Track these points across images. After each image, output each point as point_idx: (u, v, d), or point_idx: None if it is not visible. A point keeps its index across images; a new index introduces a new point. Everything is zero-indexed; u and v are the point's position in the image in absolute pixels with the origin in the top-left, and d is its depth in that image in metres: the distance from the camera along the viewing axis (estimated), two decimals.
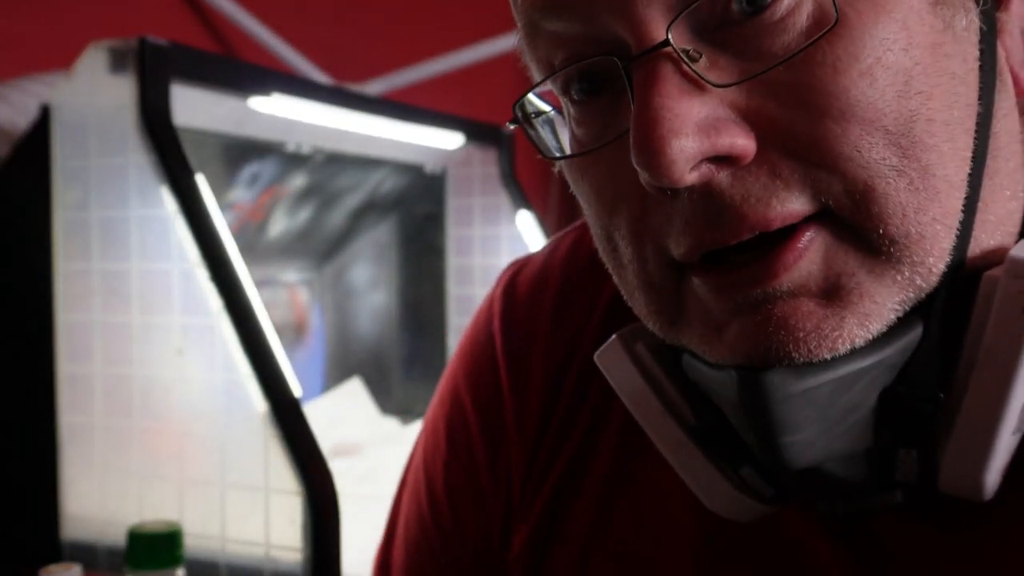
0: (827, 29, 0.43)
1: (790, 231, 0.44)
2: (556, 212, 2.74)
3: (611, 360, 0.55)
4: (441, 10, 2.33)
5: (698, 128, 0.43)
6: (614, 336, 0.55)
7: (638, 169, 0.44)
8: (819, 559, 0.53)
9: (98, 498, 1.05)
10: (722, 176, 0.44)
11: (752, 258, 0.45)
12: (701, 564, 0.57)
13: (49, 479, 1.07)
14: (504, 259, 1.77)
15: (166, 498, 1.01)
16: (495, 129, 1.77)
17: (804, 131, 0.43)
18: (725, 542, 0.56)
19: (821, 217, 0.44)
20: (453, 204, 1.83)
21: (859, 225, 0.44)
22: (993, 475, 0.46)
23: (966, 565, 0.50)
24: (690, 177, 0.43)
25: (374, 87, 1.87)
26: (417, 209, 1.87)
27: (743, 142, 0.44)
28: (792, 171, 0.44)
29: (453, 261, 1.83)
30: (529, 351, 0.66)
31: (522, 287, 0.69)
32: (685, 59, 0.44)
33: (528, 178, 1.83)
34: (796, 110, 0.44)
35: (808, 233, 0.44)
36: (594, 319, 0.64)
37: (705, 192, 0.44)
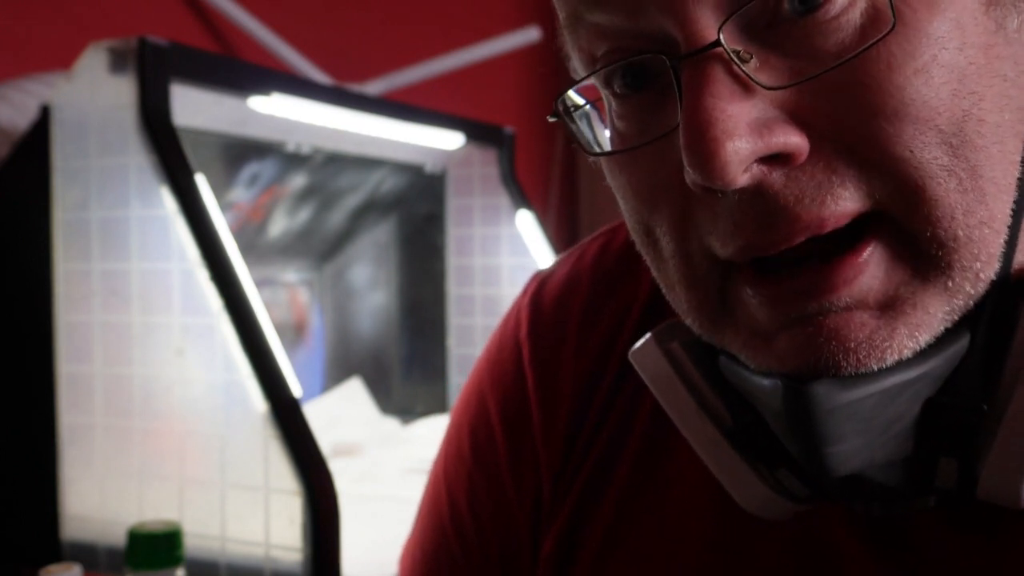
0: (886, 32, 0.42)
1: (846, 242, 0.44)
2: (556, 212, 2.74)
3: (646, 358, 0.54)
4: (441, 10, 2.33)
5: (750, 129, 0.42)
6: (649, 334, 0.54)
7: (689, 170, 0.43)
8: (851, 561, 0.53)
9: (98, 498, 1.05)
10: (775, 176, 0.43)
11: (806, 267, 0.44)
12: (722, 565, 0.57)
13: (49, 479, 1.07)
14: (504, 259, 1.77)
15: (166, 498, 1.01)
16: (495, 129, 1.77)
17: (856, 129, 0.43)
18: (749, 542, 0.56)
19: (877, 226, 0.44)
20: (453, 204, 1.83)
21: (909, 227, 0.44)
22: None
23: (998, 571, 0.50)
24: (743, 179, 0.43)
25: (374, 87, 1.87)
26: (417, 209, 1.87)
27: (796, 139, 0.43)
28: (847, 168, 0.43)
29: (453, 261, 1.83)
30: (558, 360, 0.65)
31: (549, 296, 0.68)
32: (736, 60, 0.43)
33: (528, 178, 1.83)
34: (848, 108, 0.43)
35: (869, 247, 0.44)
36: (629, 322, 0.64)
37: (757, 193, 0.44)
